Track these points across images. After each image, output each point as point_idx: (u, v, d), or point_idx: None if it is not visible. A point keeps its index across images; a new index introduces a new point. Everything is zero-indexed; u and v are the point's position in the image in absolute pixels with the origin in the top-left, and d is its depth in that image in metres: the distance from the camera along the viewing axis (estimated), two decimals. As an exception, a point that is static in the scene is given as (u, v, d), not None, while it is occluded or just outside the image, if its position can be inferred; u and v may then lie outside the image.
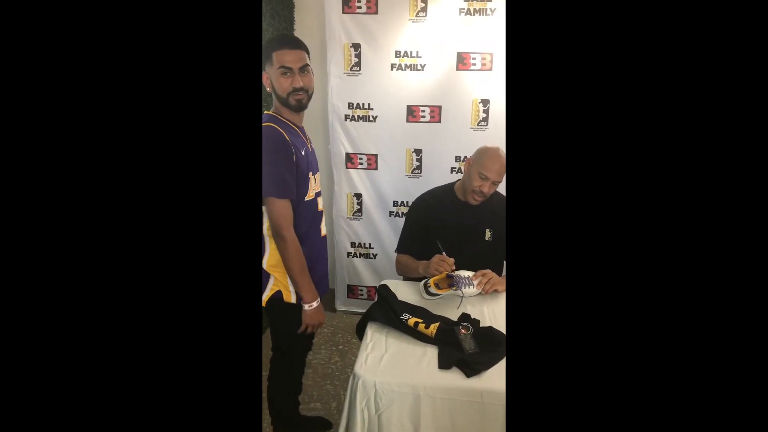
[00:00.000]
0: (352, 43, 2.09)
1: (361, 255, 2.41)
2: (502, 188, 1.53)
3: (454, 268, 1.32)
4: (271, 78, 1.15)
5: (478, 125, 2.13)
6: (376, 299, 1.33)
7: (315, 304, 1.21)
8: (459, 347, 1.06)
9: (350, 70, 2.12)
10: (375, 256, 2.40)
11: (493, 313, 1.25)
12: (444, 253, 1.36)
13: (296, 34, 2.26)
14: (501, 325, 1.16)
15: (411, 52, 2.07)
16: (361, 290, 2.48)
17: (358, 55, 2.10)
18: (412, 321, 1.14)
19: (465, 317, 1.18)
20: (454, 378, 0.98)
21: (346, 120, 2.19)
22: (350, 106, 2.17)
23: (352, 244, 2.40)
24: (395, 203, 2.31)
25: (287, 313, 1.22)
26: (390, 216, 2.33)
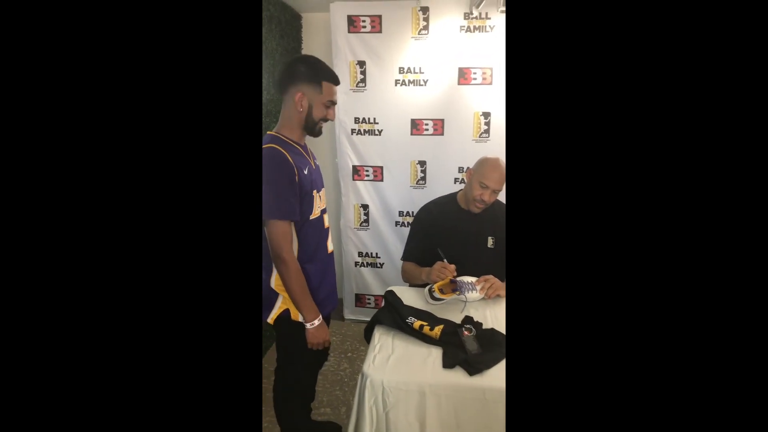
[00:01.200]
0: (358, 61, 2.18)
1: (368, 264, 2.48)
2: (502, 197, 1.59)
3: (455, 274, 1.37)
4: (311, 101, 1.19)
5: (479, 137, 2.21)
6: (383, 305, 1.38)
7: (317, 322, 1.22)
8: (462, 348, 1.11)
9: (356, 86, 2.22)
10: (382, 265, 2.46)
11: (495, 316, 1.30)
12: (445, 260, 1.41)
13: (304, 52, 2.37)
14: (503, 328, 1.21)
15: (414, 68, 2.16)
16: (369, 299, 2.53)
17: (363, 72, 2.19)
18: (417, 324, 1.19)
19: (468, 320, 1.23)
20: (458, 376, 1.03)
21: (352, 134, 2.28)
22: (356, 120, 2.26)
23: (360, 254, 2.47)
24: (401, 213, 2.38)
25: (295, 330, 1.24)
26: (396, 226, 2.40)
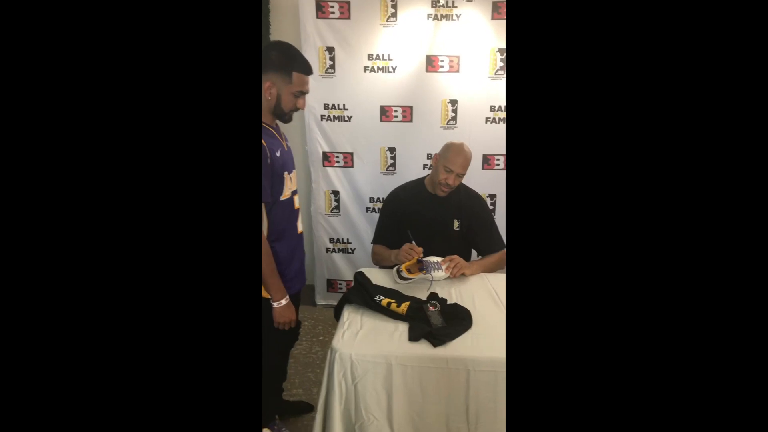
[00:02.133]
0: (327, 47, 2.18)
1: (339, 250, 2.51)
2: (468, 181, 1.66)
3: (422, 255, 1.43)
4: (280, 91, 1.20)
5: (447, 124, 2.26)
6: (352, 285, 1.42)
7: (284, 302, 1.26)
8: (428, 322, 1.17)
9: (325, 72, 2.22)
10: (353, 250, 2.50)
11: (460, 294, 1.37)
12: (414, 242, 1.47)
13: (272, 37, 2.34)
14: (466, 304, 1.27)
15: (383, 55, 2.19)
16: (340, 284, 2.57)
17: (332, 58, 2.20)
18: (385, 301, 1.24)
19: (433, 296, 1.29)
20: (423, 348, 1.08)
21: (322, 120, 2.29)
22: (326, 106, 2.27)
23: (331, 240, 2.49)
24: (371, 199, 2.42)
25: (266, 308, 1.27)
26: (367, 212, 2.44)
